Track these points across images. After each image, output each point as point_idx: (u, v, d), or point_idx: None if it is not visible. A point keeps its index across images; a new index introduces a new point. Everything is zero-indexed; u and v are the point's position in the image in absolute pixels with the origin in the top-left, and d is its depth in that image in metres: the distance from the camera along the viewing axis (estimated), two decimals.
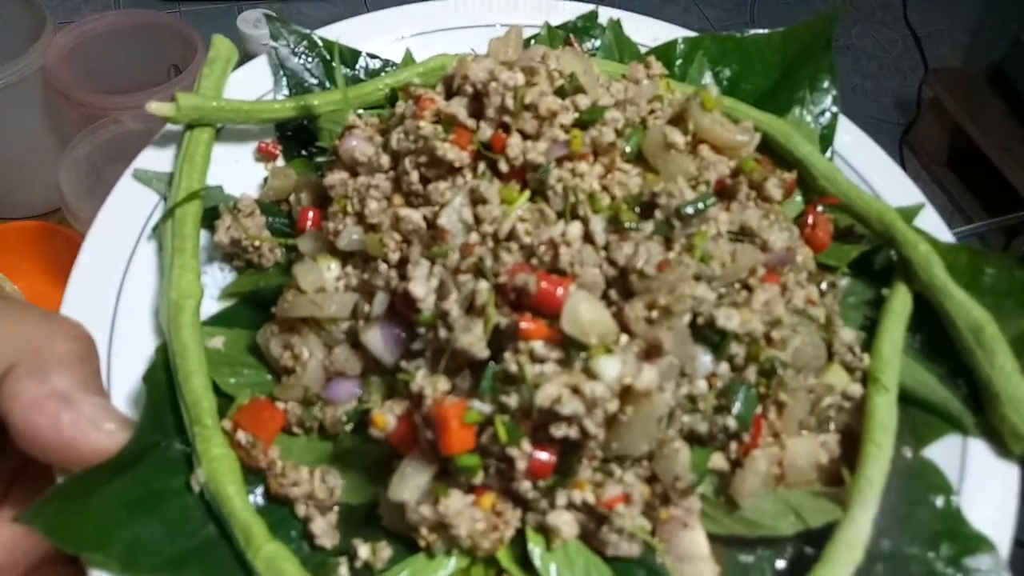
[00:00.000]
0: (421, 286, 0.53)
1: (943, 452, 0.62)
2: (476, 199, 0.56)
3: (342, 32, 0.81)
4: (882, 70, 2.75)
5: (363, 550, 0.53)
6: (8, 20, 1.29)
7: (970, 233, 2.00)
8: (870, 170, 0.79)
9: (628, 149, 0.60)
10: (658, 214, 0.55)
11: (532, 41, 0.84)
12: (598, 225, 0.54)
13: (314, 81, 0.78)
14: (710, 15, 2.75)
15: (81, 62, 1.25)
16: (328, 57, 0.78)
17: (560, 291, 0.49)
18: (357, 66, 0.80)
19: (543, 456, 0.51)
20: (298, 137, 0.75)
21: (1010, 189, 2.18)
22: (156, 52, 1.31)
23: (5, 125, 1.26)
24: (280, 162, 0.75)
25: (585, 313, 0.49)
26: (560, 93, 0.60)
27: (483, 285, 0.51)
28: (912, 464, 0.61)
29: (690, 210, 0.54)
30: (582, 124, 0.60)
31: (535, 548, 0.53)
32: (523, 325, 0.50)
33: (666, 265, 0.52)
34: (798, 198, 0.75)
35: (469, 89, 0.61)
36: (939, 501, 0.59)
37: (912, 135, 2.45)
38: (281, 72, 0.77)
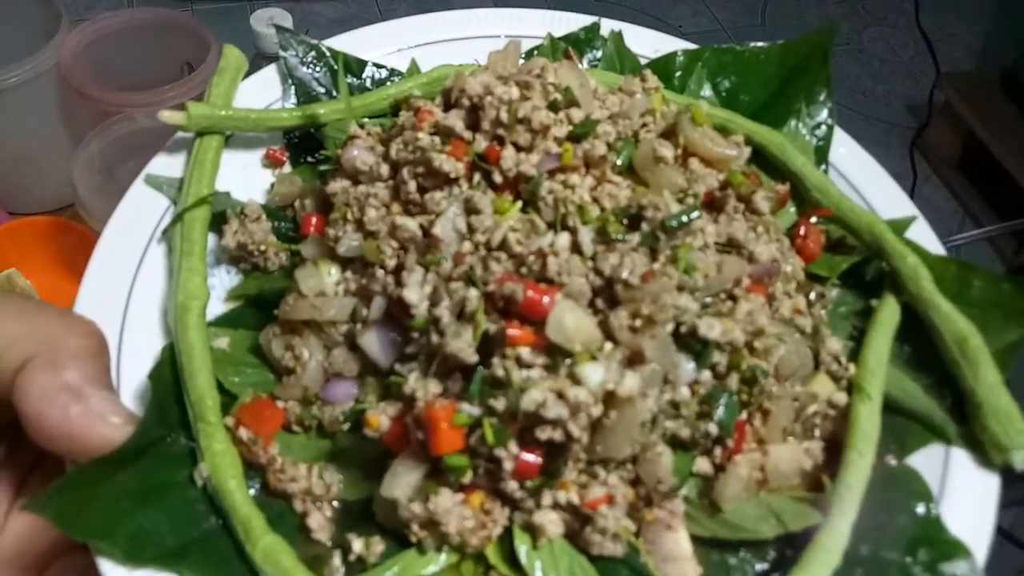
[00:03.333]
0: (415, 292, 0.55)
1: (926, 460, 0.63)
2: (470, 209, 0.58)
3: (350, 42, 0.84)
4: (894, 73, 2.75)
5: (357, 544, 0.56)
6: (23, 18, 1.32)
7: (981, 237, 1.99)
8: (865, 182, 0.80)
9: (619, 162, 0.62)
10: (644, 226, 0.57)
11: (535, 52, 0.86)
12: (586, 236, 0.56)
13: (322, 90, 0.80)
14: (721, 17, 2.76)
15: (95, 59, 1.27)
16: (335, 67, 0.80)
17: (546, 300, 0.51)
18: (364, 75, 0.82)
19: (529, 457, 0.53)
20: (305, 144, 0.77)
21: (1021, 193, 2.17)
22: (169, 50, 1.32)
23: (20, 121, 1.28)
24: (287, 168, 0.77)
25: (570, 321, 0.51)
26: (553, 107, 0.62)
27: (473, 293, 0.53)
28: (895, 471, 0.63)
29: (675, 223, 0.56)
30: (575, 137, 0.62)
31: (521, 546, 0.55)
32: (510, 332, 0.52)
33: (650, 276, 0.54)
34: (792, 209, 0.76)
35: (466, 102, 0.63)
36: (920, 508, 0.60)
37: (923, 139, 2.44)
38: (290, 81, 0.80)
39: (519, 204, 0.59)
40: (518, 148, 0.61)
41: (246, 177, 0.75)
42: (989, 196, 2.36)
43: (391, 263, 0.60)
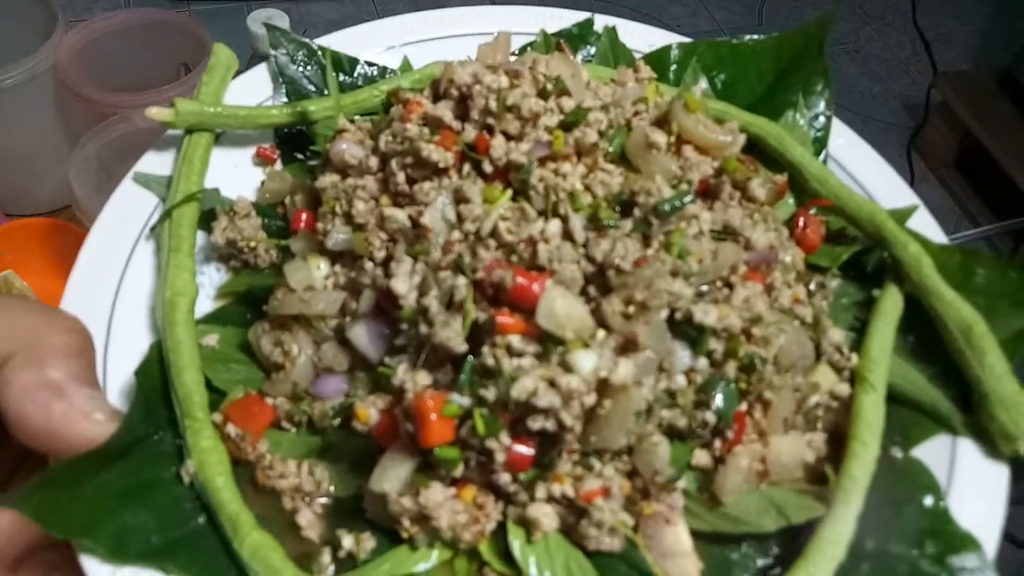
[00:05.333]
0: (403, 283, 0.54)
1: (932, 452, 0.61)
2: (459, 198, 0.57)
3: (342, 40, 0.83)
4: (891, 73, 2.74)
5: (347, 540, 0.54)
6: (20, 18, 1.32)
7: (978, 236, 1.98)
8: (864, 173, 0.79)
9: (611, 149, 0.61)
10: (637, 212, 0.56)
11: (528, 48, 0.85)
12: (577, 223, 0.55)
13: (312, 88, 0.79)
14: (719, 17, 2.76)
15: (92, 60, 1.27)
16: (326, 65, 0.80)
17: (536, 286, 0.50)
18: (356, 73, 0.82)
19: (522, 449, 0.52)
20: (295, 142, 0.76)
21: (1018, 193, 2.16)
22: (166, 51, 1.32)
23: (16, 122, 1.28)
24: (278, 166, 0.76)
25: (560, 308, 0.50)
26: (543, 95, 0.61)
27: (461, 281, 0.52)
28: (900, 464, 0.61)
29: (667, 207, 0.55)
30: (566, 126, 0.61)
31: (515, 541, 0.54)
32: (500, 320, 0.51)
33: (643, 261, 0.52)
34: (790, 200, 0.75)
35: (455, 92, 0.62)
36: (927, 500, 0.58)
37: (921, 138, 2.43)
38: (280, 79, 0.79)
39: (509, 193, 0.58)
40: (508, 137, 0.60)
41: (237, 175, 0.74)
42: (986, 195, 2.34)
43: (380, 255, 0.59)
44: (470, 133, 0.60)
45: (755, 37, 0.86)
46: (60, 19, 1.26)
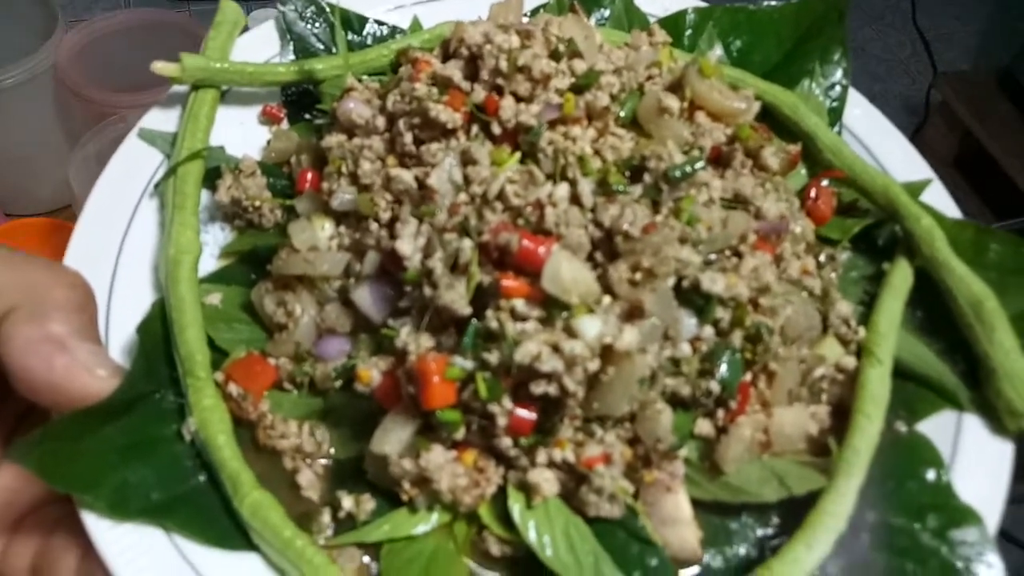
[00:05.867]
0: (408, 244, 0.54)
1: (937, 427, 0.61)
2: (467, 160, 0.56)
3: None
4: (891, 73, 2.70)
5: (347, 501, 0.54)
6: (20, 18, 1.31)
7: None
8: (879, 144, 0.78)
9: (623, 114, 0.60)
10: (647, 177, 0.55)
11: (541, 10, 0.83)
12: (586, 187, 0.54)
13: (320, 46, 0.78)
14: None
15: (91, 60, 1.26)
16: (334, 22, 0.78)
17: (542, 250, 0.50)
18: (365, 32, 0.81)
19: (523, 413, 0.51)
20: (302, 101, 0.75)
21: (1018, 193, 2.14)
22: (166, 51, 1.30)
23: (16, 122, 1.28)
24: (285, 125, 0.75)
25: (566, 272, 0.49)
26: (555, 56, 0.60)
27: (467, 243, 0.52)
28: (905, 438, 0.61)
29: (678, 173, 0.54)
30: (577, 88, 0.60)
31: (515, 505, 0.53)
32: (505, 283, 0.50)
33: (652, 227, 0.52)
34: (803, 171, 0.74)
35: (465, 52, 0.61)
36: (930, 474, 0.58)
37: (920, 138, 2.41)
38: (288, 36, 0.78)
39: (518, 155, 0.57)
40: (518, 99, 0.59)
41: (243, 133, 0.73)
42: (986, 195, 2.32)
43: (385, 216, 0.58)
44: (479, 94, 0.59)
45: (773, 3, 0.84)
46: (60, 19, 1.25)
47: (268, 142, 0.73)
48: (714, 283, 0.52)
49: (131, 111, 1.14)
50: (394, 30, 0.81)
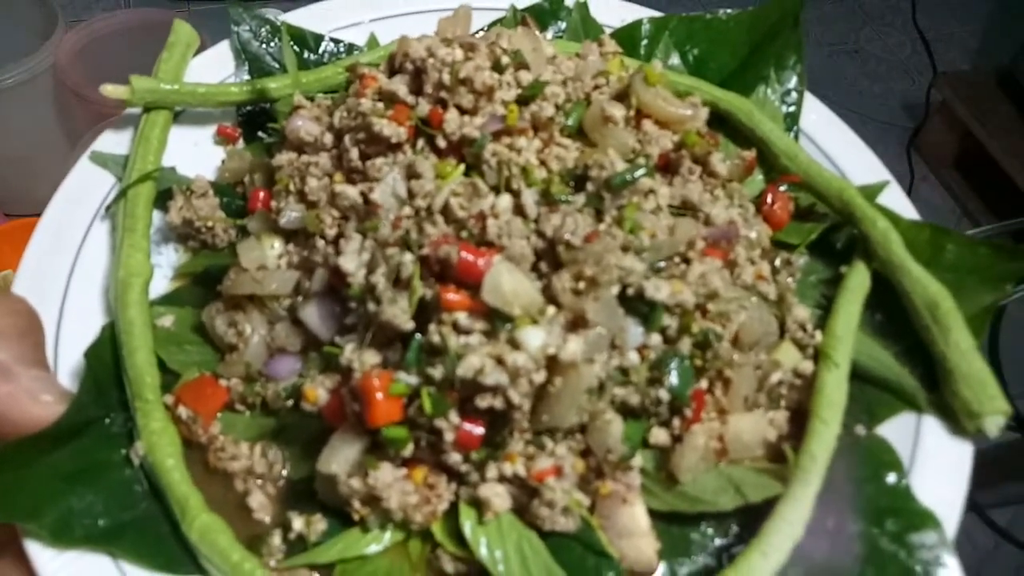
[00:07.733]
0: (351, 260, 0.53)
1: (897, 429, 0.61)
2: (411, 174, 0.56)
3: (306, 17, 0.82)
4: (891, 73, 2.72)
5: (297, 522, 0.54)
6: (20, 19, 1.32)
7: (978, 237, 1.96)
8: (836, 149, 0.78)
9: (570, 123, 0.60)
10: (589, 186, 0.55)
11: (499, 23, 0.84)
12: (529, 198, 0.54)
13: (276, 65, 0.78)
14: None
15: (91, 60, 1.27)
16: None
17: (481, 262, 0.49)
18: (321, 50, 0.80)
19: (471, 428, 0.51)
20: (257, 121, 0.75)
21: (1018, 193, 2.15)
22: None
23: (16, 122, 1.29)
24: (240, 145, 0.75)
25: (507, 283, 0.49)
26: (498, 68, 0.59)
27: (408, 257, 0.51)
28: (864, 441, 0.60)
29: (619, 181, 0.54)
30: (523, 100, 0.60)
31: (466, 521, 0.53)
32: (446, 296, 0.50)
33: (594, 236, 0.51)
34: (759, 176, 0.74)
35: (410, 66, 0.61)
36: (889, 478, 0.58)
37: (920, 138, 2.42)
38: (243, 56, 0.78)
39: (462, 168, 0.57)
40: (462, 111, 0.59)
41: (197, 154, 0.73)
42: (986, 195, 2.33)
43: (331, 233, 0.58)
44: (424, 107, 0.59)
45: (729, 11, 0.85)
46: (60, 19, 1.26)
47: (222, 162, 0.73)
48: (658, 290, 0.52)
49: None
50: (351, 47, 0.81)
